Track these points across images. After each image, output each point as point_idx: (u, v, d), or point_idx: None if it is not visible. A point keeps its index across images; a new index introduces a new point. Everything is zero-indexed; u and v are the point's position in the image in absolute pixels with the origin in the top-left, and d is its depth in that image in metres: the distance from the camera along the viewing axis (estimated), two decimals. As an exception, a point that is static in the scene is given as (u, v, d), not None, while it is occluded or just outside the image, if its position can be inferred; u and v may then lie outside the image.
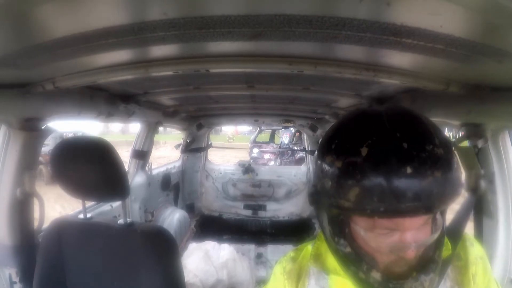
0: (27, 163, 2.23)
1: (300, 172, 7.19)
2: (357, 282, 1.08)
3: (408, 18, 1.11)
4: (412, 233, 0.97)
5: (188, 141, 6.53)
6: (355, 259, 1.07)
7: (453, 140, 1.95)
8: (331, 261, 1.22)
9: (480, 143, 1.87)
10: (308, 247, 1.36)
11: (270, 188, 7.08)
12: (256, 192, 7.11)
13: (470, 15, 1.02)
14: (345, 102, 3.58)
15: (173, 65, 1.78)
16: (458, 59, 1.37)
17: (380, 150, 0.94)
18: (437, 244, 1.08)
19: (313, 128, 6.03)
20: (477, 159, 1.95)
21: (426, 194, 0.90)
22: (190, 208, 6.97)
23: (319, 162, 1.09)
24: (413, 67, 1.70)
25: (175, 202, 6.38)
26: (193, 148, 6.74)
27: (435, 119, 2.14)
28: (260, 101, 4.16)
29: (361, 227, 1.03)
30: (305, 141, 7.18)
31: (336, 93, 2.99)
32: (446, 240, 1.15)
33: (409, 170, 0.89)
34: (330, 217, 1.12)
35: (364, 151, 0.94)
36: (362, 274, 1.05)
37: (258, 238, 6.47)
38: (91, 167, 1.84)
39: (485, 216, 2.09)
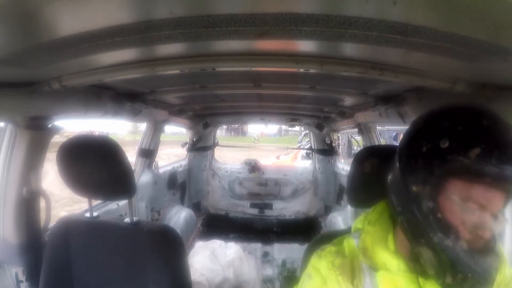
0: (34, 162, 2.24)
1: (306, 171, 7.18)
2: (439, 249, 1.09)
3: (414, 17, 1.11)
4: (494, 216, 1.04)
5: (194, 139, 6.54)
6: (444, 225, 1.08)
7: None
8: (381, 255, 1.26)
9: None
10: (350, 241, 1.39)
11: (277, 186, 7.07)
12: (263, 190, 7.11)
13: (477, 14, 1.02)
14: (351, 101, 3.57)
15: (179, 63, 1.78)
16: (465, 58, 1.36)
17: (498, 127, 1.04)
18: (501, 234, 1.20)
19: (320, 127, 6.03)
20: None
21: None
22: (196, 207, 7.00)
23: (431, 126, 1.13)
24: (419, 66, 1.70)
25: (182, 201, 6.40)
26: (200, 146, 6.75)
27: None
28: (267, 99, 4.16)
29: (457, 195, 1.05)
30: (312, 139, 7.15)
31: (342, 92, 2.99)
32: None
33: None
34: (431, 179, 1.10)
35: (485, 122, 1.04)
36: (450, 241, 1.07)
37: (265, 237, 6.47)
38: (98, 166, 1.85)
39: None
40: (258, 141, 31.63)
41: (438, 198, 1.08)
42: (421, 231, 1.13)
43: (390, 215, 1.35)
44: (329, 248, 1.37)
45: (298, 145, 16.56)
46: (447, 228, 1.07)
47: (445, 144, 1.04)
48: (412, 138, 1.17)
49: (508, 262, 1.28)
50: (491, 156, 0.98)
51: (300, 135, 19.68)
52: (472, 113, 1.09)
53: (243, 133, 43.45)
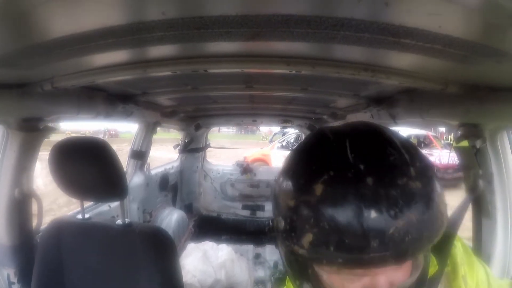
0: (26, 164, 2.22)
1: None
2: None
3: (406, 18, 1.11)
4: (386, 276, 0.83)
5: (186, 141, 6.53)
6: None
7: (451, 142, 1.95)
8: None
9: (478, 143, 1.88)
10: None
11: (269, 188, 7.07)
12: (255, 192, 7.13)
13: (469, 16, 1.02)
14: (344, 102, 3.58)
15: (171, 65, 1.78)
16: (457, 60, 1.37)
17: (338, 189, 0.78)
18: (420, 279, 0.91)
19: (311, 128, 6.03)
20: (476, 159, 1.96)
21: (396, 242, 0.74)
22: (188, 209, 6.99)
23: (275, 195, 0.95)
24: (411, 67, 1.70)
25: (173, 203, 6.38)
26: (191, 148, 6.74)
27: (433, 119, 2.15)
28: (259, 101, 4.16)
29: (324, 271, 0.89)
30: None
31: (335, 93, 2.99)
32: (432, 257, 1.00)
33: (373, 214, 0.74)
34: (288, 259, 0.99)
35: (318, 189, 0.79)
36: None
37: (257, 239, 6.45)
38: (89, 167, 1.85)
39: (484, 217, 2.10)
40: (266, 138, 32.36)
41: (310, 274, 0.93)
42: None
43: None
44: None
45: (271, 144, 19.27)
46: None
47: (281, 226, 0.87)
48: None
49: (483, 263, 1.16)
50: (327, 244, 0.77)
51: (270, 136, 22.48)
52: (306, 179, 0.84)
53: (253, 132, 44.38)
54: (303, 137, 9.85)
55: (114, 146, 2.09)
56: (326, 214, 0.76)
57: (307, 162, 0.89)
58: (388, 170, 0.79)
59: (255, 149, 16.10)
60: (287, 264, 0.99)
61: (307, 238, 0.79)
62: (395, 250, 0.74)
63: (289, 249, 0.88)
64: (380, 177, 0.77)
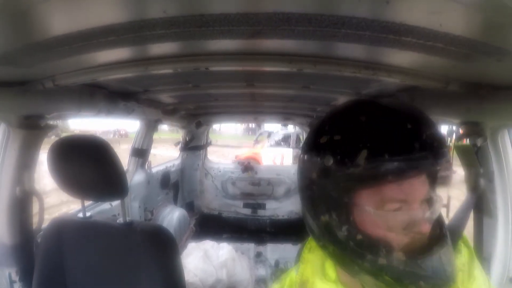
0: (27, 162, 2.23)
1: None
2: (376, 271, 0.95)
3: (407, 17, 1.11)
4: (421, 206, 0.94)
5: (187, 139, 6.53)
6: (370, 245, 0.95)
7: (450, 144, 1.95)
8: (321, 286, 1.11)
9: (479, 142, 1.87)
10: (292, 274, 1.24)
11: (270, 186, 7.09)
12: (256, 190, 7.12)
13: (470, 14, 1.02)
14: (345, 100, 3.57)
15: (172, 63, 1.78)
16: (458, 58, 1.36)
17: (382, 111, 0.96)
18: (441, 220, 1.03)
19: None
20: (477, 158, 1.95)
21: (430, 144, 0.89)
22: (189, 207, 6.99)
23: (312, 147, 1.04)
24: (412, 65, 1.70)
25: (175, 201, 6.38)
26: (192, 146, 6.75)
27: (435, 117, 2.15)
28: (260, 99, 4.16)
29: (370, 205, 0.94)
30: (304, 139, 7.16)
31: (336, 91, 2.99)
32: None
33: (409, 125, 0.90)
34: (333, 203, 0.99)
35: (363, 117, 0.95)
36: (382, 259, 0.94)
37: (258, 237, 6.47)
38: (89, 166, 1.84)
39: (485, 215, 2.09)
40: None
41: (352, 218, 0.97)
42: (348, 261, 1.01)
43: None
44: (273, 286, 1.28)
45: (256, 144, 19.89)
46: (373, 245, 0.95)
47: (329, 162, 0.95)
48: (300, 169, 1.09)
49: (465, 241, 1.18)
50: (382, 153, 0.88)
51: (255, 135, 23.09)
52: (347, 114, 1.02)
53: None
54: (294, 137, 10.13)
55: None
56: (376, 130, 0.92)
57: (344, 112, 1.05)
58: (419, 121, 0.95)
59: (246, 148, 16.57)
60: (332, 211, 1.00)
61: (362, 155, 0.89)
62: (430, 150, 0.89)
63: (342, 179, 0.94)
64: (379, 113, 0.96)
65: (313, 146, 1.03)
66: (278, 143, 18.35)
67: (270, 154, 15.92)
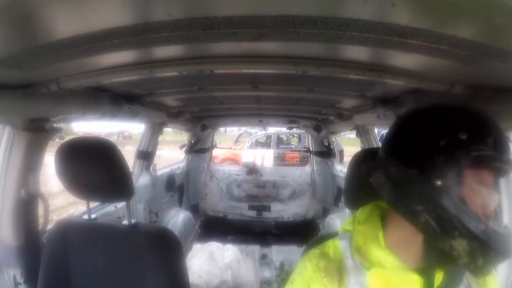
0: (32, 164, 2.23)
1: (304, 173, 7.21)
2: (474, 236, 1.08)
3: (412, 19, 1.11)
4: (496, 193, 1.13)
5: (192, 141, 6.54)
6: (472, 212, 1.09)
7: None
8: (375, 252, 1.25)
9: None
10: (335, 243, 1.37)
11: (275, 189, 7.11)
12: (261, 193, 7.14)
13: (474, 16, 1.02)
14: (349, 103, 3.58)
15: (177, 65, 1.78)
16: (462, 60, 1.36)
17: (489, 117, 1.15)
18: None
19: (318, 129, 6.03)
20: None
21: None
22: (194, 209, 7.01)
23: (443, 120, 1.15)
24: (417, 67, 1.70)
25: (180, 203, 6.41)
26: (198, 149, 6.75)
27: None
28: (265, 102, 4.16)
29: (476, 182, 1.10)
30: (310, 142, 7.16)
31: (340, 94, 2.99)
32: None
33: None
34: (453, 172, 1.11)
35: (483, 114, 1.15)
36: (482, 225, 1.08)
37: (263, 239, 6.47)
38: (96, 168, 1.84)
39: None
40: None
41: (462, 188, 1.10)
42: (454, 224, 1.09)
43: (379, 214, 1.38)
44: (314, 251, 1.36)
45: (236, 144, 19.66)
46: (474, 213, 1.09)
47: (464, 136, 1.07)
48: (419, 134, 1.16)
49: None
50: (500, 143, 1.08)
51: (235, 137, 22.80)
52: (467, 107, 1.17)
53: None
54: (275, 138, 10.37)
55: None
56: (493, 125, 1.12)
57: (457, 106, 1.19)
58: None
59: (225, 149, 16.71)
60: (449, 179, 1.10)
61: (490, 140, 1.07)
62: None
63: (473, 152, 1.07)
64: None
65: (445, 121, 1.15)
66: (258, 144, 18.52)
67: (250, 155, 15.95)
